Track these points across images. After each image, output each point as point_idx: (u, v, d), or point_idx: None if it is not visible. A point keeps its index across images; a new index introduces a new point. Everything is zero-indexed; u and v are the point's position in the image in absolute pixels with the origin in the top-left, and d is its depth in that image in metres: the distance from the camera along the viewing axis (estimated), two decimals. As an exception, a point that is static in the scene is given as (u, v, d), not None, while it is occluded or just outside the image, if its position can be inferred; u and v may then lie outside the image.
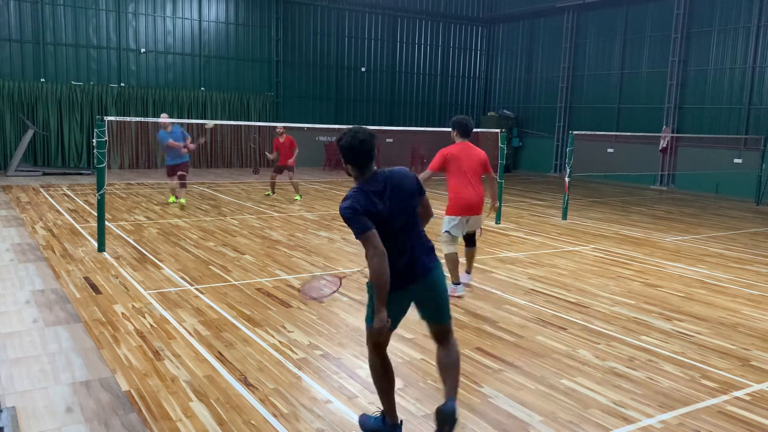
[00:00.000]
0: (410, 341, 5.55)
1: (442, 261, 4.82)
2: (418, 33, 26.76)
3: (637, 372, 5.06)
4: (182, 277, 7.47)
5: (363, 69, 25.48)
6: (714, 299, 7.35)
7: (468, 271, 7.56)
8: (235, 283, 7.33)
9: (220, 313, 6.19)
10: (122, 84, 20.78)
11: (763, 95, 18.88)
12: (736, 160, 19.23)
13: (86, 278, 7.30)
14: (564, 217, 13.11)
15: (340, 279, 4.17)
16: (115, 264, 8.03)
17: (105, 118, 8.46)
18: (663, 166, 21.28)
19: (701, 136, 19.47)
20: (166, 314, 6.09)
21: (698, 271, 8.76)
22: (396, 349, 5.33)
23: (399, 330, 5.77)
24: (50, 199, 13.59)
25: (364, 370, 4.91)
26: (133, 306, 6.33)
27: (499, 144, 12.13)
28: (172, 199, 13.66)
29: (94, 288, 6.92)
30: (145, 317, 5.99)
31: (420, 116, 27.08)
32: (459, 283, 7.09)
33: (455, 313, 6.40)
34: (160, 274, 7.62)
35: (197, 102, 21.82)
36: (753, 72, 19.04)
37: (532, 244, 10.27)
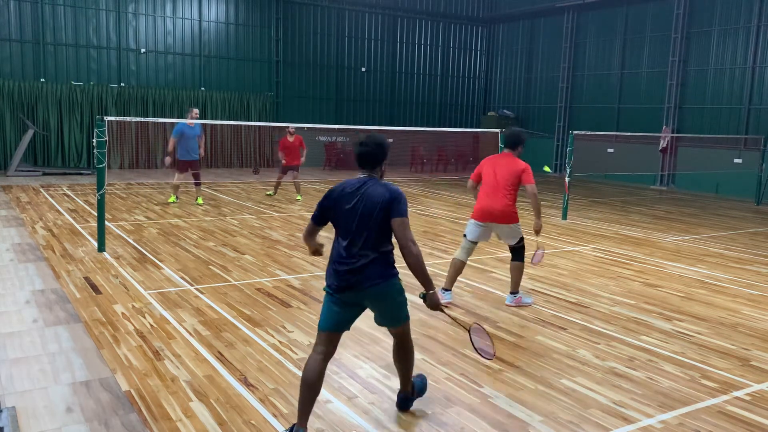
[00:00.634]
0: (410, 341, 5.55)
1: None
2: (418, 33, 26.77)
3: (637, 372, 5.06)
4: (182, 277, 7.47)
5: (363, 69, 25.48)
6: (714, 299, 7.35)
7: (512, 291, 6.90)
8: (235, 283, 7.33)
9: (220, 313, 6.19)
10: (122, 84, 20.78)
11: (763, 95, 18.88)
12: (736, 160, 19.23)
13: (86, 278, 7.30)
14: (564, 217, 13.11)
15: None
16: (115, 264, 8.03)
17: (105, 118, 8.46)
18: (663, 166, 21.29)
19: (701, 136, 19.48)
20: (166, 314, 6.09)
21: (698, 271, 8.76)
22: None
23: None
24: (50, 199, 13.59)
25: (364, 370, 4.91)
26: (133, 306, 6.33)
27: (499, 144, 12.12)
28: (172, 198, 13.64)
29: (94, 288, 6.92)
30: (145, 317, 5.99)
31: (420, 116, 27.09)
32: (447, 290, 6.81)
33: (456, 312, 6.41)
34: (160, 274, 7.63)
35: (197, 102, 21.80)
36: (753, 72, 19.04)
37: (532, 244, 10.25)
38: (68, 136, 20.05)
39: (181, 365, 4.88)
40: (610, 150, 22.34)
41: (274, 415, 4.12)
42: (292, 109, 23.50)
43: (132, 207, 12.90)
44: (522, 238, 6.89)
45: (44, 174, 18.16)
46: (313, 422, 4.04)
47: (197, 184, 13.32)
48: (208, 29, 22.13)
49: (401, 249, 3.83)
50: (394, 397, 4.41)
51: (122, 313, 6.08)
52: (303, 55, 24.08)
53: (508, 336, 5.81)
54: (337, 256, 3.93)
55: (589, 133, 17.72)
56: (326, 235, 4.02)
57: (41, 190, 15.07)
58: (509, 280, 7.85)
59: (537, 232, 6.98)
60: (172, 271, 7.77)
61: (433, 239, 10.35)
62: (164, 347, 5.24)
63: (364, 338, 5.59)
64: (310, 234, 4.12)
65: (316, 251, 4.19)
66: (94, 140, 8.57)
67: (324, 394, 4.46)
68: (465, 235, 6.90)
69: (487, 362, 5.15)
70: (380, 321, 4.10)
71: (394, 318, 4.06)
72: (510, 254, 6.93)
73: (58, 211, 12.02)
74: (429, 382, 4.70)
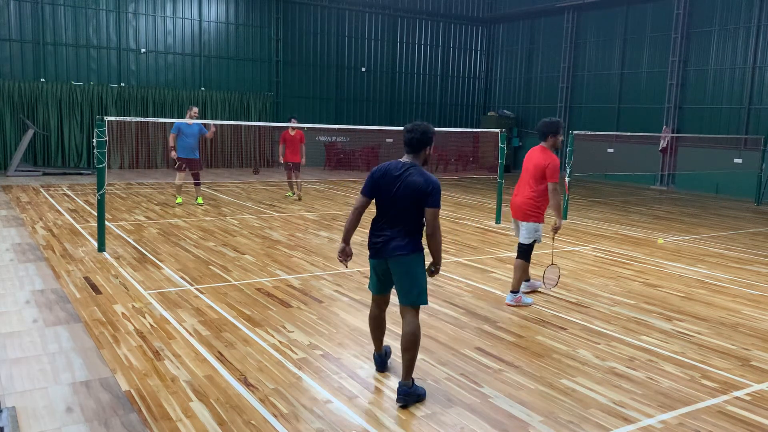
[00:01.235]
0: (410, 341, 5.55)
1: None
2: (418, 33, 26.77)
3: (637, 372, 5.06)
4: (182, 277, 7.47)
5: (363, 69, 25.48)
6: (714, 299, 7.35)
7: (513, 290, 6.87)
8: (235, 283, 7.33)
9: (220, 313, 6.19)
10: (122, 84, 20.78)
11: (763, 95, 18.88)
12: (736, 160, 19.23)
13: (86, 278, 7.30)
14: (564, 217, 13.10)
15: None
16: (115, 264, 8.03)
17: (105, 118, 8.45)
18: (663, 166, 21.29)
19: (701, 136, 19.48)
20: (166, 314, 6.09)
21: (698, 271, 8.76)
22: (396, 350, 5.33)
23: (400, 330, 5.79)
24: (50, 199, 13.59)
25: (364, 370, 4.91)
26: (133, 306, 6.33)
27: (499, 144, 12.14)
28: (179, 199, 13.45)
29: (94, 288, 6.92)
30: (145, 317, 5.99)
31: (420, 116, 27.06)
32: (515, 292, 6.78)
33: (456, 312, 6.41)
34: (160, 274, 7.62)
35: (197, 102, 21.80)
36: (753, 72, 19.04)
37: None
38: (68, 136, 20.05)
39: (181, 365, 4.88)
40: (610, 150, 22.34)
41: (274, 415, 4.12)
42: (292, 109, 23.47)
43: (132, 207, 12.90)
44: (535, 241, 6.77)
45: (44, 174, 18.15)
46: (313, 422, 4.05)
47: (197, 184, 13.32)
48: (208, 29, 22.13)
49: (428, 232, 4.38)
50: (395, 397, 4.41)
51: (122, 313, 6.08)
52: (303, 55, 24.08)
53: (508, 336, 5.81)
54: (373, 228, 4.51)
55: (589, 133, 17.72)
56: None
57: (41, 190, 15.07)
58: (509, 280, 7.85)
59: (555, 230, 6.71)
60: (172, 271, 7.77)
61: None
62: (164, 347, 5.24)
63: (364, 338, 5.59)
64: (359, 210, 4.50)
65: (344, 251, 4.60)
66: (94, 140, 8.56)
67: (324, 394, 4.46)
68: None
69: (487, 362, 5.15)
70: (398, 293, 4.51)
71: (408, 292, 4.44)
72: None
73: (58, 211, 12.02)
74: (429, 382, 4.72)
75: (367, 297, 6.87)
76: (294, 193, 14.92)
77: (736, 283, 8.21)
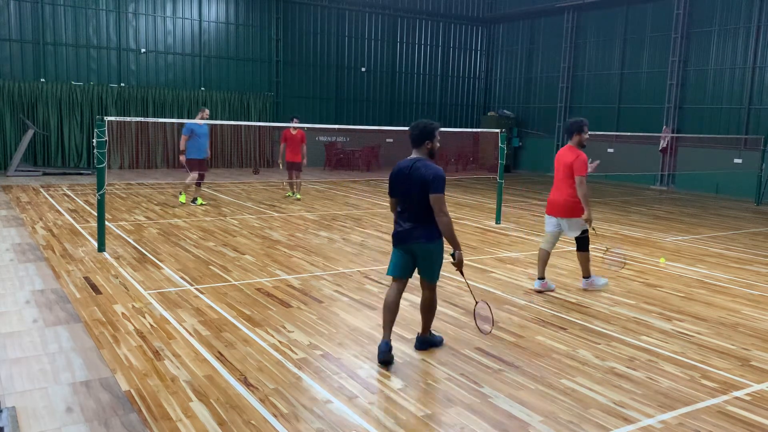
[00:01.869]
0: (410, 341, 5.55)
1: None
2: (418, 33, 26.77)
3: (637, 372, 5.06)
4: (182, 277, 7.47)
5: (363, 69, 25.49)
6: (714, 299, 7.35)
7: (584, 276, 7.40)
8: (235, 283, 7.33)
9: (220, 313, 6.19)
10: (122, 84, 20.79)
11: (763, 95, 18.88)
12: (736, 160, 19.23)
13: (86, 278, 7.30)
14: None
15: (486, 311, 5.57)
16: (115, 264, 8.03)
17: (105, 118, 8.45)
18: (663, 166, 21.28)
19: (701, 136, 19.48)
20: (166, 314, 6.09)
21: (698, 271, 8.76)
22: (396, 350, 5.33)
23: (399, 330, 5.81)
24: (50, 199, 13.59)
25: (364, 370, 4.91)
26: (133, 306, 6.33)
27: (499, 144, 12.14)
28: (200, 201, 13.40)
29: (94, 288, 6.92)
30: (145, 317, 5.99)
31: (420, 116, 26.96)
32: (540, 278, 7.34)
33: (456, 312, 6.41)
34: (160, 274, 7.62)
35: (197, 102, 21.80)
36: (753, 72, 19.04)
37: (532, 244, 10.26)
38: (68, 136, 20.05)
39: (181, 365, 4.88)
40: (610, 150, 22.34)
41: (274, 415, 4.12)
42: (292, 109, 23.47)
43: (132, 207, 12.90)
44: (586, 230, 7.26)
45: (44, 174, 18.16)
46: (313, 422, 4.05)
47: (198, 184, 13.30)
48: (208, 29, 22.13)
49: (435, 217, 4.94)
50: (394, 397, 4.42)
51: (122, 313, 6.08)
52: (303, 55, 24.08)
53: (508, 336, 5.81)
54: (396, 218, 5.16)
55: (589, 132, 17.69)
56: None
57: (41, 190, 15.07)
58: (509, 280, 7.87)
59: (587, 222, 7.14)
60: (172, 271, 7.77)
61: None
62: (164, 347, 5.24)
63: (364, 338, 5.59)
64: (393, 206, 5.23)
65: None
66: (94, 140, 8.56)
67: (324, 394, 4.46)
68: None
69: (487, 362, 5.15)
70: (420, 272, 5.18)
71: (429, 272, 5.17)
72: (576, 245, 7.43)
73: (58, 211, 12.02)
74: (429, 381, 4.72)
75: (368, 297, 6.88)
76: (293, 193, 14.89)
77: (736, 283, 8.21)
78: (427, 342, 5.37)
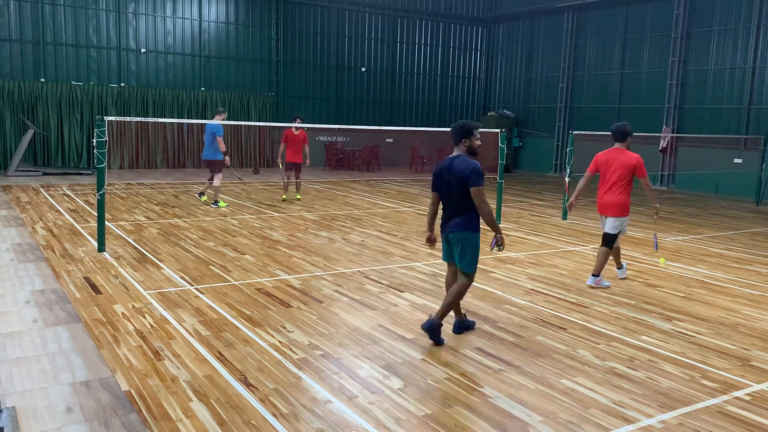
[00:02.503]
0: (410, 341, 5.55)
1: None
2: (418, 33, 26.77)
3: (637, 372, 5.06)
4: (182, 277, 7.47)
5: (363, 69, 25.49)
6: (714, 299, 7.35)
7: (594, 273, 7.73)
8: (235, 283, 7.33)
9: (220, 313, 6.19)
10: (122, 84, 20.79)
11: (763, 95, 18.88)
12: (736, 160, 19.23)
13: (86, 278, 7.30)
14: (564, 217, 13.12)
15: None
16: (115, 264, 8.03)
17: (105, 118, 8.45)
18: (663, 166, 21.28)
19: (701, 136, 19.48)
20: (166, 314, 6.09)
21: (698, 271, 8.76)
22: (396, 349, 5.33)
23: (399, 330, 5.81)
24: (50, 199, 13.59)
25: (364, 370, 4.91)
26: (133, 306, 6.33)
27: (499, 144, 12.14)
28: (222, 204, 13.30)
29: (94, 288, 6.92)
30: (145, 317, 5.99)
31: (420, 116, 27.09)
32: (619, 268, 7.95)
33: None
34: (160, 274, 7.62)
35: (197, 102, 21.82)
36: (753, 72, 19.04)
37: (532, 244, 10.26)
38: (68, 136, 20.05)
39: (181, 365, 4.88)
40: (610, 150, 22.30)
41: (274, 415, 4.12)
42: (292, 109, 23.48)
43: (132, 207, 12.90)
44: (621, 232, 7.67)
45: (44, 174, 18.16)
46: (313, 422, 4.05)
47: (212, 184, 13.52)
48: (208, 29, 22.14)
49: (477, 208, 5.39)
50: (394, 397, 4.42)
51: (122, 313, 6.08)
52: (303, 55, 24.08)
53: (508, 336, 5.81)
54: (444, 211, 5.65)
55: (589, 133, 17.71)
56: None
57: (41, 190, 15.07)
58: (509, 280, 7.86)
59: (657, 214, 8.19)
60: (172, 271, 7.77)
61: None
62: (164, 347, 5.24)
63: (364, 338, 5.60)
64: (433, 204, 5.71)
65: (428, 238, 5.88)
66: (94, 140, 8.56)
67: (324, 394, 4.46)
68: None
69: (487, 362, 5.15)
70: (456, 260, 5.62)
71: (460, 260, 5.57)
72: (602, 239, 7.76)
73: (58, 211, 12.02)
74: (429, 381, 4.72)
75: (368, 297, 6.89)
76: (291, 195, 14.64)
77: (736, 283, 8.21)
78: (434, 331, 5.50)
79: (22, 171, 17.97)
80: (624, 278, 8.09)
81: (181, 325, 5.80)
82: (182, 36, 21.70)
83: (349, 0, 24.62)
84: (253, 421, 4.04)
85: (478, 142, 5.53)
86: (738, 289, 7.90)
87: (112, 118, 9.11)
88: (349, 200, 15.07)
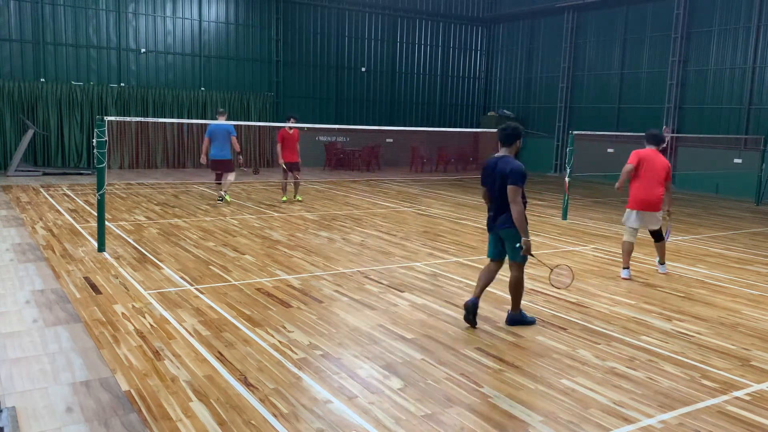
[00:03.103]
0: (410, 341, 5.55)
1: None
2: (418, 33, 26.77)
3: (637, 372, 5.06)
4: (182, 277, 7.47)
5: (363, 69, 25.49)
6: (714, 299, 7.35)
7: (661, 262, 8.55)
8: (235, 283, 7.33)
9: (220, 313, 6.19)
10: (122, 84, 20.79)
11: (763, 95, 18.88)
12: (736, 160, 19.23)
13: (86, 278, 7.30)
14: (564, 217, 13.11)
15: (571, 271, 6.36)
16: (115, 264, 8.03)
17: (105, 118, 8.45)
18: (663, 166, 21.24)
19: (701, 136, 19.48)
20: (166, 314, 6.09)
21: (698, 271, 8.76)
22: (396, 349, 5.33)
23: (399, 330, 5.81)
24: (50, 199, 13.59)
25: (364, 370, 4.91)
26: (133, 306, 6.33)
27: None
28: (228, 197, 14.02)
29: (94, 288, 6.92)
30: (145, 317, 5.99)
31: (420, 116, 27.09)
32: (626, 268, 8.22)
33: (456, 312, 6.42)
34: (160, 274, 7.63)
35: (197, 102, 21.82)
36: (753, 72, 19.05)
37: (532, 244, 10.24)
38: (68, 136, 20.05)
39: (181, 365, 4.88)
40: (610, 150, 22.33)
41: (274, 415, 4.12)
42: (292, 109, 23.45)
43: (132, 207, 12.90)
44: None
45: (44, 174, 18.16)
46: (313, 422, 4.05)
47: (218, 184, 13.85)
48: (208, 29, 22.14)
49: (510, 205, 5.73)
50: (395, 397, 4.42)
51: (122, 313, 6.08)
52: (303, 55, 24.08)
53: (508, 336, 5.81)
54: (488, 209, 6.08)
55: (589, 133, 17.72)
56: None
57: (41, 190, 15.07)
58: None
59: (670, 214, 8.58)
60: (172, 271, 7.77)
61: (434, 239, 10.35)
62: (164, 347, 5.24)
63: (364, 338, 5.60)
64: (484, 197, 6.13)
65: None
66: (94, 140, 8.56)
67: (324, 394, 4.46)
68: (624, 223, 8.34)
69: (487, 362, 5.15)
70: (509, 255, 5.99)
71: (511, 253, 5.94)
72: (653, 237, 8.47)
73: (58, 211, 12.02)
74: (429, 381, 4.72)
75: (368, 297, 6.89)
76: (291, 197, 14.52)
77: (736, 283, 8.21)
78: (516, 320, 6.01)
79: (22, 171, 17.97)
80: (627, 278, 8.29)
81: (181, 325, 5.80)
82: (182, 36, 21.70)
83: (349, 0, 24.62)
84: (253, 421, 4.04)
85: (520, 145, 6.04)
86: (738, 289, 7.90)
87: (112, 118, 9.11)
88: (349, 200, 15.07)
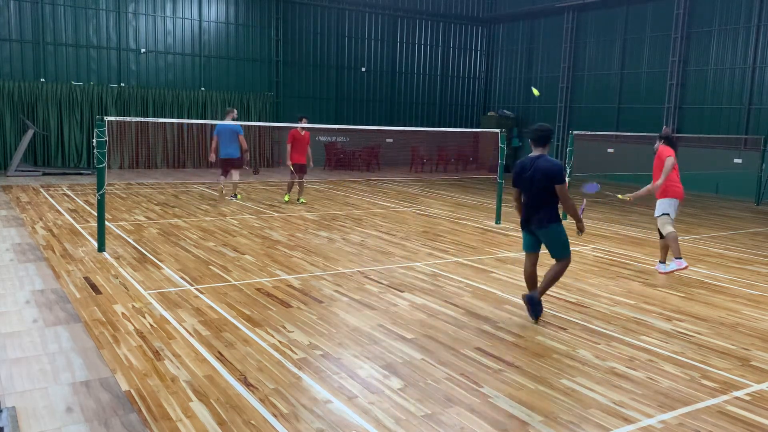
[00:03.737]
0: (411, 341, 5.55)
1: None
2: (418, 33, 26.77)
3: (637, 372, 5.06)
4: (182, 277, 7.47)
5: (363, 69, 25.48)
6: (714, 299, 7.35)
7: (677, 257, 8.35)
8: (235, 283, 7.33)
9: (220, 313, 6.19)
10: (122, 84, 20.79)
11: (763, 95, 18.88)
12: (736, 160, 19.23)
13: (86, 278, 7.30)
14: (564, 217, 13.09)
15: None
16: (115, 264, 8.03)
17: (105, 118, 8.45)
18: (663, 166, 21.23)
19: (701, 136, 19.47)
20: (166, 314, 6.09)
21: (698, 271, 8.76)
22: (396, 349, 5.33)
23: (399, 330, 5.81)
24: (50, 199, 13.59)
25: (364, 370, 4.91)
26: (133, 306, 6.33)
27: (499, 144, 12.14)
28: (240, 196, 14.53)
29: (94, 288, 6.92)
30: (145, 317, 5.99)
31: (420, 116, 27.09)
32: (680, 257, 8.25)
33: (456, 312, 6.42)
34: (160, 274, 7.63)
35: (197, 102, 21.82)
36: (753, 72, 19.04)
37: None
38: (68, 136, 20.05)
39: (181, 365, 4.88)
40: (610, 150, 22.34)
41: (274, 415, 4.12)
42: (292, 109, 23.49)
43: (132, 207, 12.90)
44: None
45: (44, 174, 18.15)
46: (313, 422, 4.05)
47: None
48: (208, 29, 22.13)
49: (563, 203, 6.04)
50: (394, 397, 4.42)
51: (122, 313, 6.08)
52: (303, 55, 24.08)
53: (508, 336, 5.81)
54: (524, 206, 6.25)
55: (589, 133, 17.71)
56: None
57: (41, 190, 15.07)
58: (509, 280, 7.86)
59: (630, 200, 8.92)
60: (172, 271, 7.77)
61: (433, 239, 10.35)
62: (164, 347, 5.24)
63: (364, 338, 5.60)
64: (516, 198, 6.38)
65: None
66: (94, 140, 8.56)
67: (324, 394, 4.46)
68: (668, 214, 8.43)
69: (487, 362, 5.15)
70: (550, 251, 6.22)
71: (555, 250, 6.19)
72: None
73: (58, 211, 12.02)
74: (429, 381, 4.72)
75: (367, 297, 6.89)
76: (299, 198, 14.25)
77: (736, 283, 8.21)
78: (534, 302, 6.16)
79: (22, 171, 17.97)
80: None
81: (181, 325, 5.80)
82: (182, 36, 21.70)
83: (349, 0, 24.62)
84: (253, 421, 4.04)
85: None
86: (738, 289, 7.90)
87: (112, 118, 9.11)
88: (349, 200, 15.07)
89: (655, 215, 8.61)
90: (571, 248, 6.31)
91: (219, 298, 6.66)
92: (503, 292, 7.27)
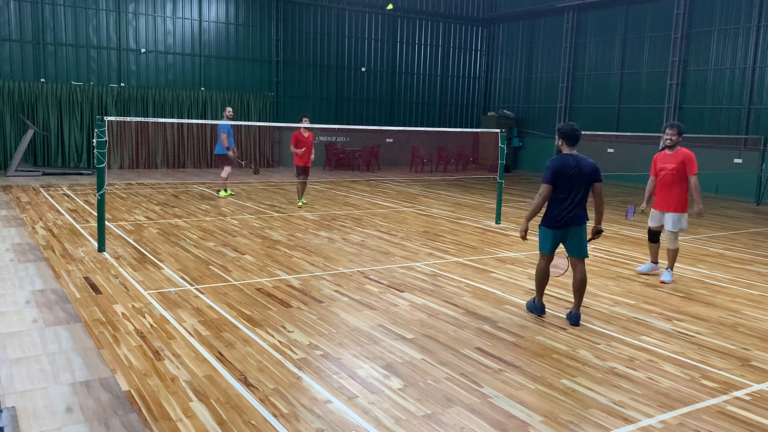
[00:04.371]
0: (410, 341, 5.55)
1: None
2: (418, 33, 26.77)
3: (637, 372, 5.06)
4: (182, 277, 7.47)
5: (363, 69, 25.49)
6: (714, 299, 7.35)
7: (654, 261, 8.53)
8: (235, 283, 7.33)
9: (220, 313, 6.19)
10: (122, 84, 20.79)
11: (763, 95, 18.88)
12: (736, 160, 19.23)
13: (86, 278, 7.30)
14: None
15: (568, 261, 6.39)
16: (115, 264, 8.03)
17: (105, 118, 8.45)
18: (663, 166, 21.24)
19: (701, 136, 19.47)
20: (166, 314, 6.09)
21: (698, 271, 8.76)
22: (396, 349, 5.33)
23: (399, 330, 5.81)
24: (50, 199, 13.59)
25: (364, 370, 4.91)
26: (133, 306, 6.33)
27: (499, 144, 12.14)
28: (227, 192, 15.02)
29: (94, 288, 6.92)
30: (145, 317, 5.99)
31: (420, 116, 27.09)
32: (657, 263, 8.45)
33: (456, 312, 6.42)
34: (160, 274, 7.63)
35: (197, 102, 21.82)
36: (753, 72, 19.04)
37: (532, 244, 10.25)
38: (68, 136, 20.06)
39: (181, 365, 4.88)
40: (610, 150, 22.33)
41: (274, 415, 4.12)
42: (292, 109, 23.51)
43: (132, 207, 12.90)
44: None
45: (44, 174, 18.16)
46: (313, 422, 4.05)
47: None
48: (208, 29, 22.14)
49: (598, 199, 6.24)
50: (395, 397, 4.42)
51: (122, 313, 6.08)
52: (303, 55, 24.08)
53: (508, 336, 5.81)
54: (559, 207, 6.13)
55: (589, 133, 17.66)
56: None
57: (41, 190, 15.07)
58: (509, 280, 7.86)
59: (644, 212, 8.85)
60: (172, 271, 7.77)
61: (434, 239, 10.35)
62: (164, 347, 5.24)
63: (364, 338, 5.60)
64: (545, 196, 6.14)
65: (527, 230, 6.38)
66: (94, 140, 8.56)
67: (324, 394, 4.46)
68: (683, 228, 8.20)
69: (487, 362, 5.15)
70: (573, 251, 6.25)
71: (582, 249, 6.23)
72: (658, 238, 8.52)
73: (58, 211, 12.02)
74: (429, 381, 4.72)
75: (367, 297, 6.89)
76: (304, 201, 13.92)
77: (736, 283, 8.21)
78: (578, 317, 6.19)
79: (22, 171, 17.98)
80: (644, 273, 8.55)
81: (181, 325, 5.80)
82: (182, 36, 21.70)
83: (349, 0, 24.62)
84: (253, 421, 4.04)
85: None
86: (738, 289, 7.90)
87: (112, 118, 9.11)
88: (349, 200, 15.07)
89: (673, 229, 8.03)
90: None
91: (219, 298, 6.66)
92: (503, 292, 7.27)
